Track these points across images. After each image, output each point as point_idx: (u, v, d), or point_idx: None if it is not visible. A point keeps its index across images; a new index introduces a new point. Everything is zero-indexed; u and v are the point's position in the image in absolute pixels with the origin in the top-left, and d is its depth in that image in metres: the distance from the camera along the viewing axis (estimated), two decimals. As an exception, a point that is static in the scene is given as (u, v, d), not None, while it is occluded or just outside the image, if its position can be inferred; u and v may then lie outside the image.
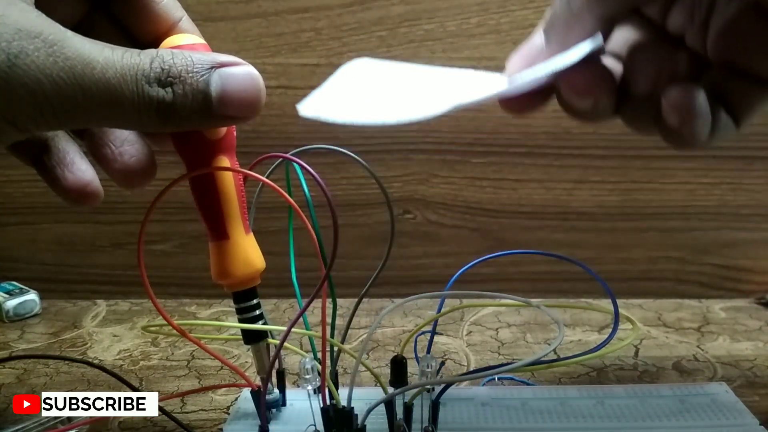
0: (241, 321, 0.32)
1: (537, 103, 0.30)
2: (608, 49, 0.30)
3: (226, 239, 0.30)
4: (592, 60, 0.27)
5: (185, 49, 0.27)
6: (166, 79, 0.24)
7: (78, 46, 0.23)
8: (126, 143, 0.30)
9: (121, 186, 0.30)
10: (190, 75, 0.25)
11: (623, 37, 0.30)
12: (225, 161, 0.30)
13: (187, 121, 0.25)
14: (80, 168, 0.30)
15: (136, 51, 0.24)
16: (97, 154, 0.30)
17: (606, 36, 0.29)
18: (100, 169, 0.30)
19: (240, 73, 0.26)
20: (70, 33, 0.23)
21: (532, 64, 0.29)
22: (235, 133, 0.30)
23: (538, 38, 0.29)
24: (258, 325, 0.32)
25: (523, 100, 0.30)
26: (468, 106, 0.26)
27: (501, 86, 0.28)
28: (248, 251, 0.31)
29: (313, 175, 0.29)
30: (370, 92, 0.29)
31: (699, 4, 0.29)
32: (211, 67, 0.25)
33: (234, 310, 0.32)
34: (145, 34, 0.30)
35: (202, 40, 0.29)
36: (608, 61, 0.29)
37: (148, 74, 0.24)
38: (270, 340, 0.33)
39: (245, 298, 0.32)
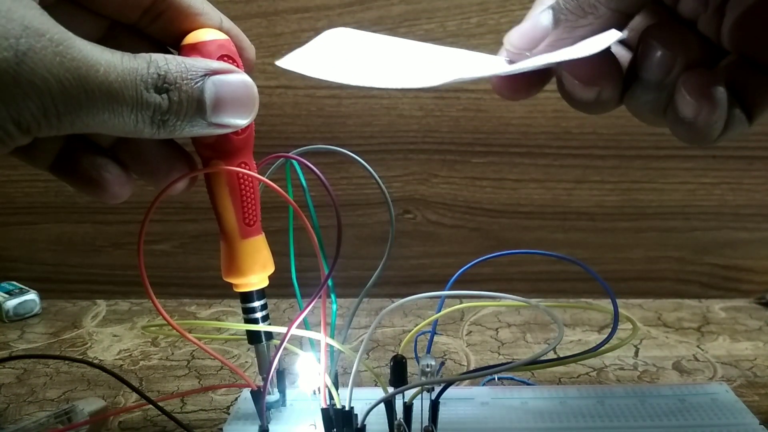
0: (247, 321, 0.32)
1: (533, 89, 0.28)
2: None
3: (241, 239, 0.30)
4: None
5: (212, 44, 0.27)
6: (162, 85, 0.24)
7: (81, 47, 0.22)
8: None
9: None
10: (185, 82, 0.24)
11: (633, 22, 0.28)
12: (246, 161, 0.30)
13: (181, 128, 0.25)
14: (114, 167, 0.29)
15: (132, 54, 0.24)
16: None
17: (619, 29, 0.27)
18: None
19: (234, 80, 0.26)
20: (72, 34, 0.22)
21: (534, 44, 0.27)
22: (253, 133, 0.30)
23: (544, 17, 0.27)
24: (258, 326, 0.32)
25: (519, 84, 0.28)
26: (466, 80, 0.25)
27: (501, 67, 0.27)
28: (260, 252, 0.31)
29: (319, 177, 0.29)
30: (359, 57, 0.28)
31: None
32: (205, 74, 0.25)
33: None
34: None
35: (224, 36, 0.28)
36: (615, 48, 0.28)
37: (146, 79, 0.23)
38: (273, 340, 0.33)
39: (253, 299, 0.32)
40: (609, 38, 0.25)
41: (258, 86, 0.27)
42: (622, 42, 0.29)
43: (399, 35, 0.54)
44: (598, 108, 0.28)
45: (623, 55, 0.28)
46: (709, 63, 0.28)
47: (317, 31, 0.57)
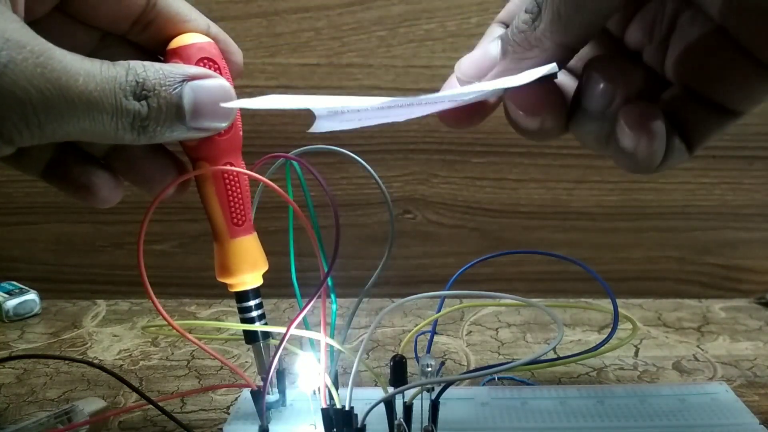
0: (242, 321, 0.32)
1: (475, 118, 0.29)
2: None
3: (229, 238, 0.30)
4: (542, 79, 0.26)
5: (192, 48, 0.27)
6: (141, 92, 0.24)
7: (61, 58, 0.22)
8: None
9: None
10: (164, 88, 0.25)
11: (581, 51, 0.28)
12: (233, 161, 0.30)
13: (161, 134, 0.25)
14: (104, 173, 0.29)
15: (111, 63, 0.24)
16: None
17: (565, 62, 0.27)
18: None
19: (211, 85, 0.26)
20: (52, 45, 0.23)
21: (483, 73, 0.28)
22: (240, 133, 0.30)
23: (493, 47, 0.27)
24: (257, 326, 0.32)
25: (461, 114, 0.29)
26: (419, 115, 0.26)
27: (444, 103, 0.28)
28: (251, 251, 0.31)
29: (316, 177, 0.29)
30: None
31: (660, 21, 0.28)
32: (183, 80, 0.25)
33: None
34: None
35: (208, 39, 0.29)
36: (562, 76, 0.28)
37: (125, 87, 0.24)
38: (270, 340, 0.33)
39: (247, 299, 0.32)
40: (543, 71, 0.26)
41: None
42: (570, 70, 0.29)
43: (399, 35, 0.55)
44: (543, 136, 0.28)
45: (570, 84, 0.29)
46: (652, 93, 0.28)
47: (317, 31, 0.57)
